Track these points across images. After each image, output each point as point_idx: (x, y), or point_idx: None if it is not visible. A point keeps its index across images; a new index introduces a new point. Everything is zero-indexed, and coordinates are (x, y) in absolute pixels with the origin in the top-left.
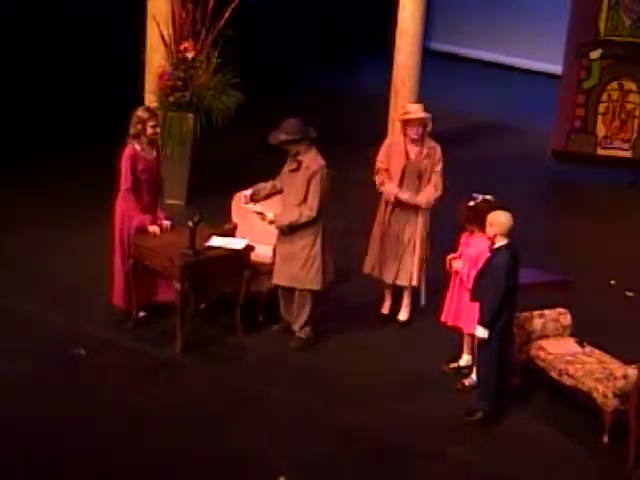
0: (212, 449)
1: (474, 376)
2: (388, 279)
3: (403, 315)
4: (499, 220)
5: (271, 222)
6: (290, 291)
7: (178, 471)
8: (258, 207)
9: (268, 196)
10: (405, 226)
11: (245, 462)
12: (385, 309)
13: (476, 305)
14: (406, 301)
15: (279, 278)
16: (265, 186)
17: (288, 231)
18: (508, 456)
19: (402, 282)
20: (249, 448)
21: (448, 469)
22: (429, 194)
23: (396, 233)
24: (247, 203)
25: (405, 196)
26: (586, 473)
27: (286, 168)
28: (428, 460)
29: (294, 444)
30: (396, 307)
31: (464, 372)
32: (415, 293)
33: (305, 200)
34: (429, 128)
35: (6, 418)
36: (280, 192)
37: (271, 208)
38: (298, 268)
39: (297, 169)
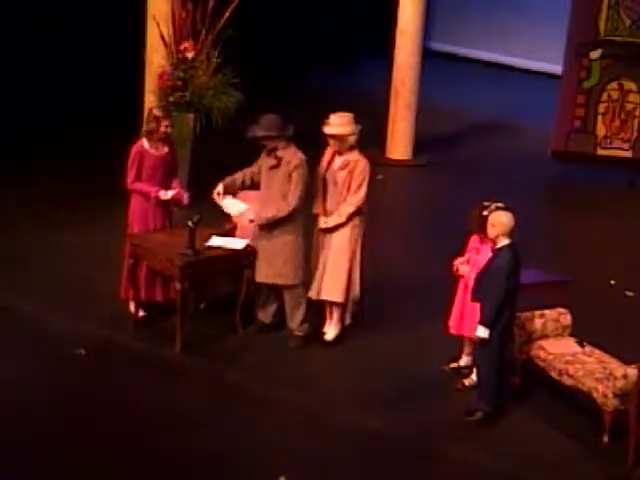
0: (212, 449)
1: (474, 376)
2: (311, 293)
3: (329, 334)
4: (501, 220)
5: (251, 221)
6: (270, 290)
7: (178, 471)
8: (240, 206)
9: (242, 188)
10: (332, 237)
11: (245, 462)
12: (327, 327)
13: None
14: (335, 318)
15: (262, 276)
16: (236, 178)
17: (267, 226)
18: (508, 456)
19: (325, 297)
20: (249, 448)
21: (448, 469)
22: (340, 214)
23: (323, 245)
24: (222, 198)
25: (321, 225)
26: (586, 473)
27: (264, 166)
28: (428, 460)
29: (294, 444)
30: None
31: (464, 372)
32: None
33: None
34: (347, 144)
35: (6, 418)
36: (251, 188)
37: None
38: (282, 263)
39: (277, 165)
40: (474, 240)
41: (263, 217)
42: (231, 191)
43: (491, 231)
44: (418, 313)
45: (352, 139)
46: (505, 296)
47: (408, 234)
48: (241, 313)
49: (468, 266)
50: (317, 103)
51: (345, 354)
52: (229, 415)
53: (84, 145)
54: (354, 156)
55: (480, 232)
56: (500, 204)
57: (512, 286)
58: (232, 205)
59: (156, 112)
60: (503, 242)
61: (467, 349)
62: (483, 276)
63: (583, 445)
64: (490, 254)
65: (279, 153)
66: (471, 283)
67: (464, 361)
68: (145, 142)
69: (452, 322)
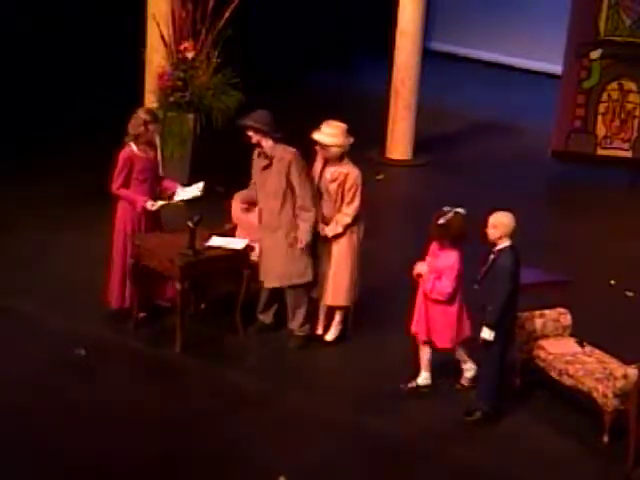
0: (212, 449)
1: (467, 374)
2: (314, 295)
3: (330, 335)
4: (503, 222)
5: (302, 249)
6: (271, 291)
7: (178, 471)
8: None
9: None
10: (331, 243)
11: (245, 462)
12: (319, 329)
13: (448, 318)
14: (337, 319)
15: (272, 280)
16: (250, 190)
17: (272, 227)
18: (508, 456)
19: (331, 302)
20: (249, 448)
21: (448, 469)
22: (337, 224)
23: (321, 251)
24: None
25: (319, 231)
26: (586, 473)
27: (256, 168)
28: (428, 460)
29: (294, 444)
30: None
31: (423, 391)
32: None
33: (291, 193)
34: (333, 155)
35: (6, 418)
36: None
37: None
38: (290, 264)
39: (269, 165)
40: (434, 246)
41: (309, 238)
42: (250, 204)
43: (493, 233)
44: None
45: (337, 151)
46: (509, 297)
47: (408, 234)
48: (241, 313)
49: (426, 266)
50: (317, 103)
51: (345, 354)
52: (229, 415)
53: (84, 145)
54: (344, 168)
55: (437, 239)
56: (460, 210)
57: (514, 287)
58: (186, 192)
59: (144, 116)
60: (505, 243)
61: (425, 364)
62: (485, 278)
63: (583, 445)
64: (449, 259)
65: (269, 152)
66: (429, 286)
67: (422, 379)
68: (133, 146)
69: (415, 328)
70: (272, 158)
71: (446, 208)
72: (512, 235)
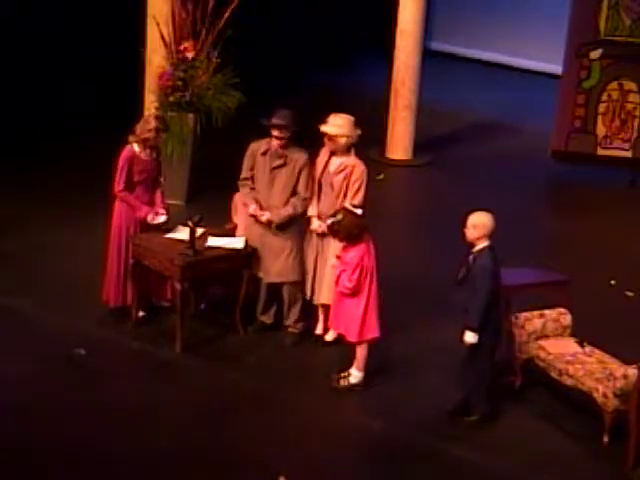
0: (212, 449)
1: (351, 379)
2: (308, 295)
3: (330, 335)
4: (483, 222)
5: (269, 222)
6: (270, 290)
7: (178, 471)
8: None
9: None
10: (328, 241)
11: (245, 462)
12: (319, 329)
13: (353, 313)
14: None
15: (272, 275)
16: (252, 189)
17: (284, 226)
18: (508, 456)
19: (323, 300)
20: (249, 448)
21: (448, 469)
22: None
23: (318, 248)
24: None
25: (316, 228)
26: (586, 473)
27: (267, 166)
28: (428, 460)
29: (294, 444)
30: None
31: (356, 389)
32: None
33: (295, 192)
34: (340, 146)
35: (6, 418)
36: None
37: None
38: (285, 260)
39: (283, 164)
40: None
41: (283, 214)
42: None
43: (472, 233)
44: (417, 312)
45: (345, 141)
46: (491, 298)
47: (408, 234)
48: (241, 313)
49: (338, 261)
50: (317, 103)
51: (345, 354)
52: (229, 415)
53: (84, 145)
54: (351, 160)
55: (333, 237)
56: (355, 209)
57: (495, 287)
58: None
59: (156, 124)
60: (484, 244)
61: (357, 360)
62: (465, 281)
63: (583, 445)
64: (350, 253)
65: (285, 152)
66: (335, 278)
67: (354, 378)
68: (136, 147)
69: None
70: (286, 158)
71: (345, 206)
72: (491, 235)
